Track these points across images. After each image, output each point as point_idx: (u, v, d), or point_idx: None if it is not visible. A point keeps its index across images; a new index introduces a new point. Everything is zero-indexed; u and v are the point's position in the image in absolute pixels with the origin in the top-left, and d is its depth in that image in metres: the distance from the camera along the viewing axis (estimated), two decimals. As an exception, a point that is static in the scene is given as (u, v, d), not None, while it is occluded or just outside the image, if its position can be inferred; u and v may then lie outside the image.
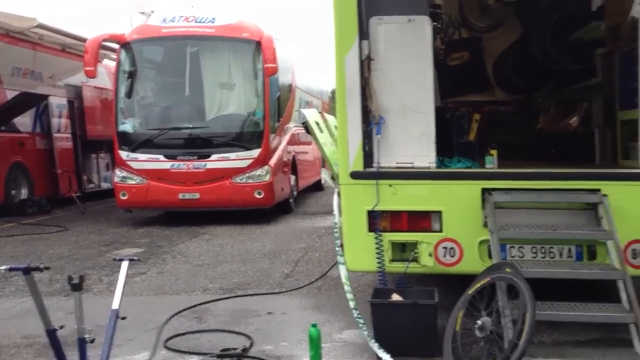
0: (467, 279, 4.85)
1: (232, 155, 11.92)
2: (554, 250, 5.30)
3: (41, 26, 14.35)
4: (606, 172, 5.62)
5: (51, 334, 3.85)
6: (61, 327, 3.89)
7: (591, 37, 7.57)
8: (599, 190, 5.23)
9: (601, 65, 7.23)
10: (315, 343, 4.65)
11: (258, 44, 12.03)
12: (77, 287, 3.85)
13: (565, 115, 8.25)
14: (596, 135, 6.87)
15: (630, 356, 4.24)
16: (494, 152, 5.97)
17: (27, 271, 3.68)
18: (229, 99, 12.40)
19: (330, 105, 18.01)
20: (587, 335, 5.29)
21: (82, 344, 3.92)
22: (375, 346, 4.90)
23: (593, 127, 7.17)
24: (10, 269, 3.70)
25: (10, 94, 14.29)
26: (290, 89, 14.19)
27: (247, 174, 11.95)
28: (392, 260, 5.50)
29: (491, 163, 5.91)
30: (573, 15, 7.51)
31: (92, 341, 3.92)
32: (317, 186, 16.53)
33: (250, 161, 11.96)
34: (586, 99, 7.71)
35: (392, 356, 4.73)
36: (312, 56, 17.52)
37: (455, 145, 6.89)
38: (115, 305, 4.16)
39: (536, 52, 7.99)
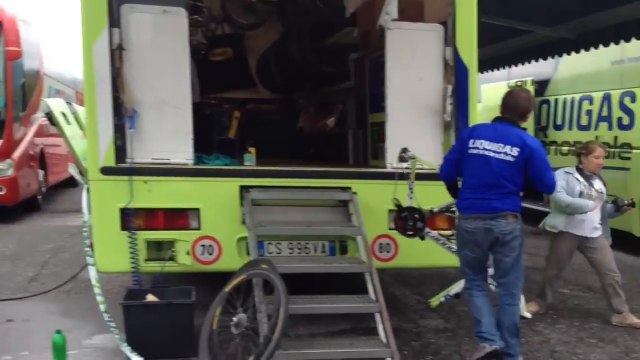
0: (228, 277, 4.79)
1: (-34, 146, 10.66)
2: (309, 245, 5.47)
3: None
4: (355, 171, 5.97)
5: None
6: None
7: (345, 42, 7.99)
8: (349, 188, 5.50)
9: (354, 70, 7.66)
10: (59, 350, 4.36)
11: (-2, 24, 10.91)
12: None
13: (323, 116, 8.61)
14: (350, 136, 7.26)
15: (375, 343, 4.50)
16: (252, 149, 6.02)
17: None
18: (-36, 85, 11.06)
19: (85, 95, 16.90)
20: (339, 326, 5.56)
21: None
22: (127, 350, 4.67)
23: (347, 128, 7.56)
24: None
25: None
26: (37, 76, 13.06)
27: (-15, 168, 10.78)
28: (147, 260, 5.26)
29: (250, 161, 5.95)
30: (329, 20, 7.85)
31: None
32: (72, 182, 15.50)
33: (-11, 154, 10.79)
34: (341, 101, 8.12)
35: (145, 359, 4.52)
36: (65, 42, 16.24)
37: (215, 142, 6.84)
38: None
39: (295, 52, 8.21)
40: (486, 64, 10.18)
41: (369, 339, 4.62)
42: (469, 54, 5.69)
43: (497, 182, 4.50)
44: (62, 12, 24.42)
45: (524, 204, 12.70)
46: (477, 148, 4.56)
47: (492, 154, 4.50)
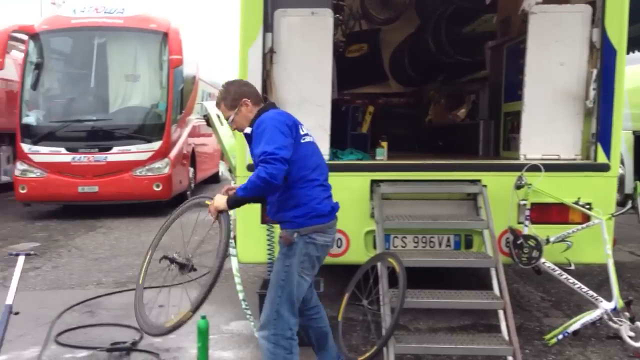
0: (352, 269, 4.89)
1: (133, 147, 11.68)
2: (435, 239, 5.42)
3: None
4: (485, 163, 5.80)
5: None
6: None
7: (483, 30, 7.78)
8: (479, 181, 5.37)
9: (490, 58, 7.45)
10: (203, 335, 4.61)
11: (165, 35, 11.86)
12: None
13: (453, 107, 8.47)
14: (481, 127, 7.08)
15: (497, 340, 4.39)
16: (384, 144, 6.06)
17: None
18: (133, 91, 12.16)
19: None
20: (460, 322, 5.50)
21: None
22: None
23: (478, 118, 7.38)
24: None
25: None
26: (193, 81, 14.02)
27: (146, 167, 11.73)
28: None
29: (381, 155, 5.99)
30: (467, 8, 7.69)
31: None
32: (214, 178, 16.45)
33: (150, 153, 11.74)
34: (474, 91, 7.94)
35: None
36: (216, 49, 17.35)
37: (348, 137, 6.98)
38: (9, 300, 4.19)
39: (430, 44, 8.13)
40: (633, 44, 9.25)
41: (490, 336, 4.51)
42: (619, 34, 5.25)
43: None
44: (211, 21, 25.85)
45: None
46: (307, 135, 3.93)
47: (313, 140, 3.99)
